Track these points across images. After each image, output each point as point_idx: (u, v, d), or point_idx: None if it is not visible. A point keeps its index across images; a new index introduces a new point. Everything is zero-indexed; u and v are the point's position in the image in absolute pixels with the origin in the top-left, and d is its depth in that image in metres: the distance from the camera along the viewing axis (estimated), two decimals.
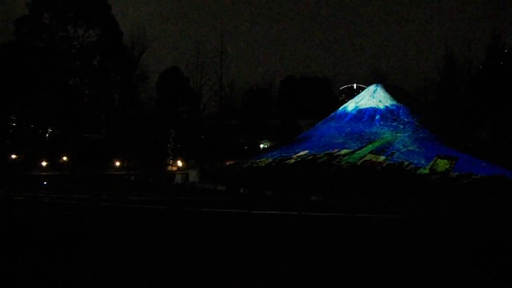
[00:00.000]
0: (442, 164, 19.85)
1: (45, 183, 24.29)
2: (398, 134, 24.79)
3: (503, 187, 15.65)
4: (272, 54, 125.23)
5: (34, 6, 46.57)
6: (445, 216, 10.52)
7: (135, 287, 4.83)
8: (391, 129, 26.00)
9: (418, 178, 18.40)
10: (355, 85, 79.55)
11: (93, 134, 51.91)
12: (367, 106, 29.62)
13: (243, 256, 6.25)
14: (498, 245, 7.14)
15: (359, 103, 30.72)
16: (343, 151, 23.62)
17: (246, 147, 54.82)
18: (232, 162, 35.51)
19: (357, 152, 23.15)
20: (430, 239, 7.63)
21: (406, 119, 26.75)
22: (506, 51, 49.53)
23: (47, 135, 48.75)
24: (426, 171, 19.18)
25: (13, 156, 43.61)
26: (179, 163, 49.01)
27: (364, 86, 61.51)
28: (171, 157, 49.15)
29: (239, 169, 25.99)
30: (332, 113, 32.48)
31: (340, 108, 33.06)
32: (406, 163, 20.53)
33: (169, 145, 48.59)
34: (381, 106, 28.95)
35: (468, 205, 12.55)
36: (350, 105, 31.57)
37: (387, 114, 27.83)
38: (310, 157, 23.90)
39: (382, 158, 21.68)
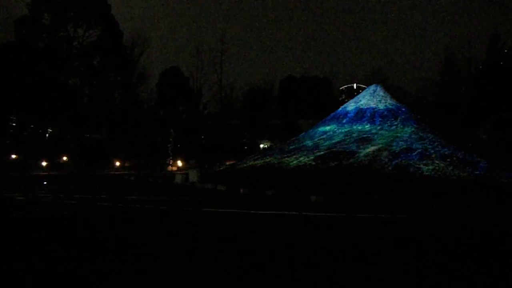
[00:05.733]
0: (442, 164, 19.86)
1: (45, 183, 24.28)
2: (398, 134, 24.79)
3: (503, 186, 15.66)
4: (272, 54, 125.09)
5: (34, 6, 46.55)
6: (444, 217, 10.51)
7: (135, 286, 4.83)
8: (391, 128, 26.01)
9: (418, 177, 18.40)
10: (355, 85, 79.47)
11: (93, 134, 51.88)
12: (367, 106, 29.65)
13: (241, 256, 6.25)
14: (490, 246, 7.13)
15: (359, 103, 30.74)
16: (343, 151, 23.63)
17: (246, 147, 54.78)
18: (232, 162, 35.51)
19: (357, 152, 23.15)
20: (428, 240, 7.63)
21: (406, 119, 26.77)
22: (506, 51, 49.54)
23: (47, 135, 48.74)
24: (426, 171, 19.18)
25: (13, 156, 43.58)
26: (179, 163, 48.97)
27: (364, 86, 61.51)
28: (171, 157, 49.12)
29: (238, 169, 26.00)
30: (332, 113, 32.50)
31: (340, 108, 33.08)
32: (406, 162, 20.54)
33: (169, 145, 48.56)
34: (381, 106, 28.97)
35: (469, 205, 12.54)
36: (350, 105, 31.59)
37: (387, 114, 27.84)
38: (310, 157, 23.90)
39: (382, 157, 21.68)
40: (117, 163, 48.18)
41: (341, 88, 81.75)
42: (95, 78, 49.77)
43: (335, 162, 22.31)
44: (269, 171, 23.27)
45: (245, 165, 26.46)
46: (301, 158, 24.10)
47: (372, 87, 32.53)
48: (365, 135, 25.69)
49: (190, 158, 49.26)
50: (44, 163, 43.47)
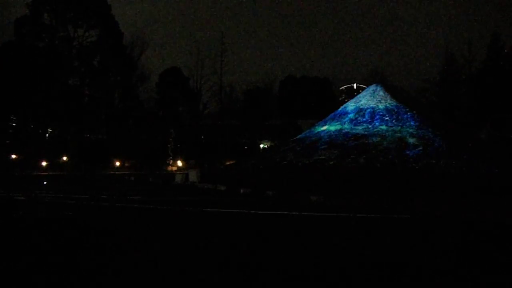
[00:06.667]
0: (443, 162, 19.88)
1: (45, 183, 24.29)
2: (398, 134, 24.81)
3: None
4: (272, 54, 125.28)
5: (34, 6, 46.55)
6: (445, 217, 10.50)
7: (135, 286, 4.83)
8: (391, 128, 26.03)
9: (419, 176, 18.41)
10: (355, 85, 79.48)
11: (93, 134, 51.90)
12: (367, 106, 29.66)
13: (240, 256, 6.25)
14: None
15: (359, 103, 30.75)
16: (343, 151, 23.65)
17: (246, 147, 54.80)
18: (232, 162, 35.53)
19: (357, 151, 23.17)
20: (426, 241, 7.63)
21: (406, 119, 26.79)
22: (506, 51, 49.53)
23: (47, 135, 48.76)
24: (427, 169, 19.19)
25: (13, 156, 43.59)
26: (179, 163, 49.00)
27: (364, 86, 61.47)
28: (171, 157, 49.14)
29: (238, 169, 26.01)
30: (332, 113, 32.51)
31: (340, 108, 33.09)
32: (407, 161, 20.55)
33: (169, 145, 48.58)
34: (381, 106, 28.99)
35: (472, 205, 12.54)
36: (350, 105, 31.61)
37: (387, 114, 27.86)
38: (309, 158, 23.92)
39: (382, 157, 21.70)
40: (117, 163, 48.20)
41: (341, 88, 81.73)
42: (95, 78, 49.76)
43: (334, 162, 22.32)
44: (269, 171, 23.28)
45: (245, 165, 26.48)
46: (300, 159, 24.11)
47: (372, 87, 32.55)
48: (365, 135, 25.70)
49: (190, 158, 49.29)
50: (44, 163, 43.49)
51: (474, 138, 30.51)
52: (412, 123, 26.14)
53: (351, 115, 29.59)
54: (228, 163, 37.60)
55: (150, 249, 6.74)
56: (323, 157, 23.55)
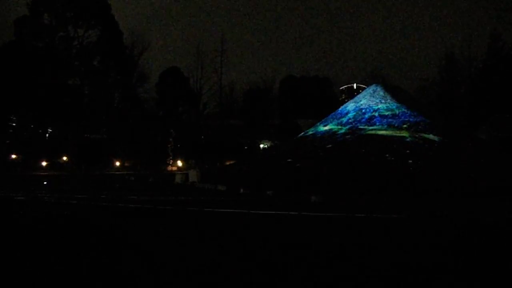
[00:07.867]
0: (443, 162, 19.87)
1: (45, 183, 24.29)
2: (398, 134, 24.81)
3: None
4: (272, 54, 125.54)
5: (34, 6, 46.61)
6: (444, 216, 10.51)
7: (135, 286, 4.84)
8: (391, 128, 26.03)
9: (420, 177, 18.40)
10: (355, 85, 79.55)
11: (93, 134, 51.95)
12: (367, 106, 29.67)
13: (240, 256, 6.26)
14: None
15: (359, 103, 30.76)
16: (343, 151, 23.64)
17: (246, 147, 54.84)
18: (232, 162, 35.53)
19: (357, 151, 23.16)
20: (424, 240, 7.63)
21: (405, 119, 26.79)
22: (506, 51, 49.57)
23: (47, 135, 48.78)
24: (427, 169, 19.18)
25: (13, 156, 43.63)
26: (179, 163, 49.03)
27: (364, 86, 61.57)
28: (171, 157, 49.18)
29: (237, 169, 26.00)
30: (332, 113, 32.52)
31: (340, 108, 33.10)
32: (407, 161, 20.55)
33: (169, 145, 48.63)
34: (381, 106, 29.00)
35: (469, 204, 12.55)
36: (350, 105, 31.61)
37: (387, 114, 27.86)
38: (309, 158, 23.91)
39: (382, 157, 21.70)
40: (117, 163, 48.26)
41: (341, 88, 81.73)
42: (95, 78, 49.79)
43: (334, 162, 22.31)
44: (269, 170, 23.27)
45: (245, 164, 26.48)
46: (298, 158, 24.11)
47: (372, 87, 32.56)
48: (365, 135, 25.70)
49: (190, 158, 49.37)
50: (44, 163, 43.55)
51: (473, 137, 30.51)
52: (412, 123, 26.13)
53: (351, 115, 29.60)
54: (228, 163, 37.61)
55: (149, 249, 6.74)
56: (321, 155, 23.54)
